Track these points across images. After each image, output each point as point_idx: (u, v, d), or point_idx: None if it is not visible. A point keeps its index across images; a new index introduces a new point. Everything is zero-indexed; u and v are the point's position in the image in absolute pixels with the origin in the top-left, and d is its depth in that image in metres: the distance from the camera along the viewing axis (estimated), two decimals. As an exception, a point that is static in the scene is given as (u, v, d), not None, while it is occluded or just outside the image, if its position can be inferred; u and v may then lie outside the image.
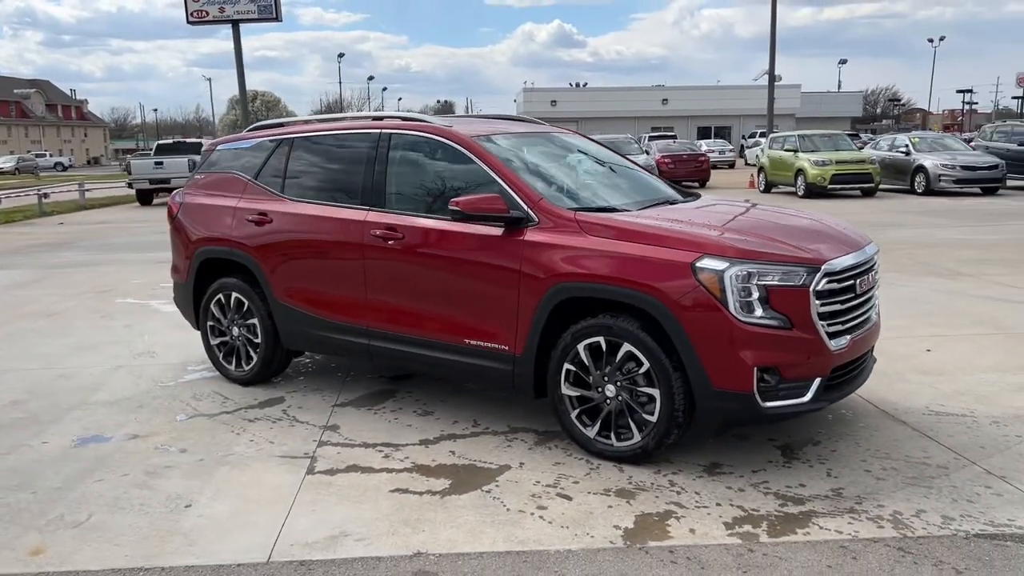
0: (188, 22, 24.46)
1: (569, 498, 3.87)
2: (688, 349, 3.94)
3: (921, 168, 20.48)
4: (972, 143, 23.55)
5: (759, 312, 3.90)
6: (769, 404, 3.95)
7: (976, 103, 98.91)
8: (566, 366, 4.34)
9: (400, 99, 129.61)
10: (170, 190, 25.02)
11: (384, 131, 5.14)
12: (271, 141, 5.71)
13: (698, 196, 5.36)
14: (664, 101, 58.90)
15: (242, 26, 27.09)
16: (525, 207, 4.46)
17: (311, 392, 5.61)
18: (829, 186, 20.01)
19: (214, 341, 5.91)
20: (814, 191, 20.20)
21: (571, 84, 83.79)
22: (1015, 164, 20.66)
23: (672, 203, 5.01)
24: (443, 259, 4.72)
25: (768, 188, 22.66)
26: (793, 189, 21.22)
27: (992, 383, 5.42)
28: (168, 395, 5.63)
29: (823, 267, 4.02)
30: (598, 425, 4.30)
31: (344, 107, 79.02)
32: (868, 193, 20.51)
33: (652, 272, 4.03)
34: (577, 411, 4.36)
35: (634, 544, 3.41)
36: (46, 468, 4.41)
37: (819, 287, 3.98)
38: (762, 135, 46.74)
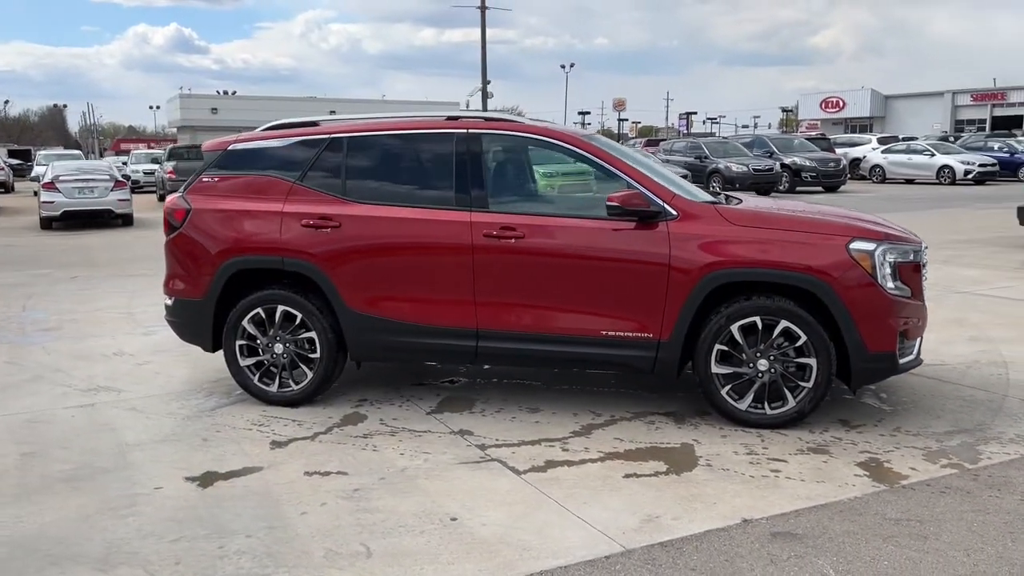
0: None
1: (783, 460, 4.30)
2: (848, 320, 4.57)
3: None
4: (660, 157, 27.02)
5: (891, 284, 4.66)
6: (901, 361, 4.73)
7: (590, 123, 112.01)
8: (717, 347, 4.73)
9: (7, 102, 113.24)
10: None
11: (472, 131, 5.10)
12: (313, 140, 5.32)
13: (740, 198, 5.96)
14: (332, 112, 58.80)
15: None
16: (660, 201, 4.79)
17: (383, 404, 5.32)
18: (556, 194, 21.79)
19: (246, 362, 5.32)
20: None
21: (218, 92, 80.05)
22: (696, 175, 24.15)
23: (740, 200, 5.60)
24: (575, 255, 4.85)
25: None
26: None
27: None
28: (219, 426, 4.99)
29: (921, 246, 4.90)
30: (750, 397, 4.75)
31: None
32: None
33: (812, 255, 4.61)
34: (728, 387, 4.78)
35: (895, 485, 3.97)
36: (211, 511, 3.82)
37: (922, 262, 4.85)
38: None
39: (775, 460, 4.30)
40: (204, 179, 5.45)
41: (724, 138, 33.80)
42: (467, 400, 5.38)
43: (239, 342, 5.30)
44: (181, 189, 5.57)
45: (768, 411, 4.74)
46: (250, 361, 5.32)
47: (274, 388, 5.30)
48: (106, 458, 4.50)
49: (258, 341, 5.29)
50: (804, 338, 4.63)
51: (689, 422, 4.90)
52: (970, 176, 28.02)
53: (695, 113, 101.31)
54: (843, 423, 4.85)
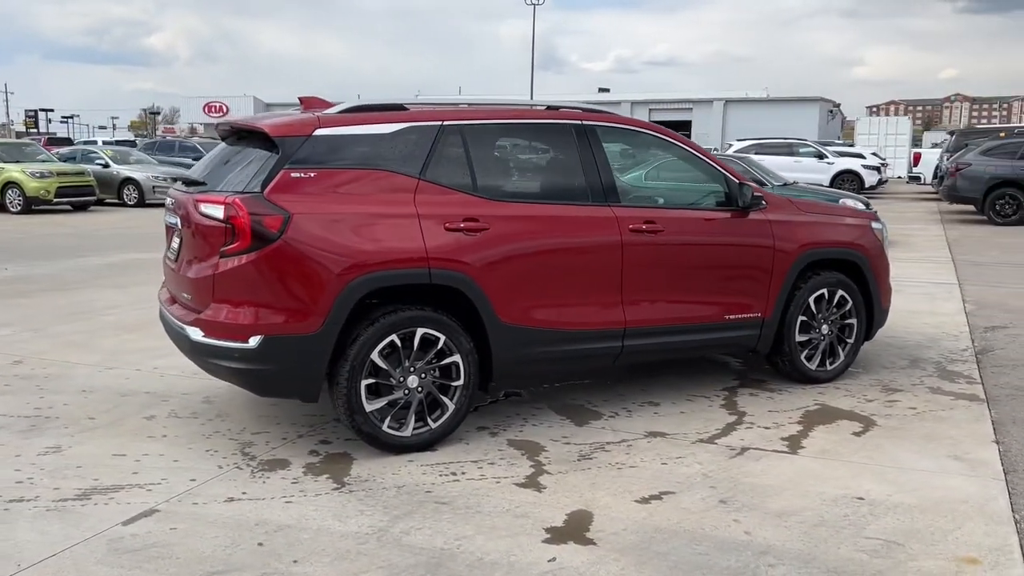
0: None
1: (899, 402, 5.25)
2: (875, 284, 5.74)
3: (130, 180, 20.72)
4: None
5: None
6: (887, 313, 6.10)
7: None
8: (800, 318, 5.48)
9: None
10: None
11: (586, 123, 4.90)
12: (424, 128, 4.44)
13: None
14: None
15: None
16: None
17: (513, 428, 4.75)
18: (55, 199, 18.52)
19: (373, 406, 4.24)
20: (36, 205, 18.39)
21: None
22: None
23: None
24: (706, 245, 5.11)
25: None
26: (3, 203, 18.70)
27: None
28: (423, 487, 3.93)
29: (871, 222, 6.31)
30: (818, 358, 5.60)
31: None
32: (83, 207, 19.71)
33: (857, 234, 5.67)
34: (805, 352, 5.55)
35: (989, 399, 5.26)
36: (667, 559, 3.31)
37: (874, 237, 6.26)
38: None
39: (894, 403, 5.22)
40: (293, 174, 4.09)
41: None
42: (580, 408, 5.10)
43: (366, 381, 4.18)
44: (247, 188, 4.06)
45: (828, 367, 5.64)
46: (377, 405, 4.24)
47: (408, 432, 4.32)
48: (400, 555, 3.31)
49: (391, 377, 4.24)
50: (851, 302, 5.63)
51: (770, 389, 5.50)
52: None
53: (51, 111, 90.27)
54: (856, 372, 5.94)
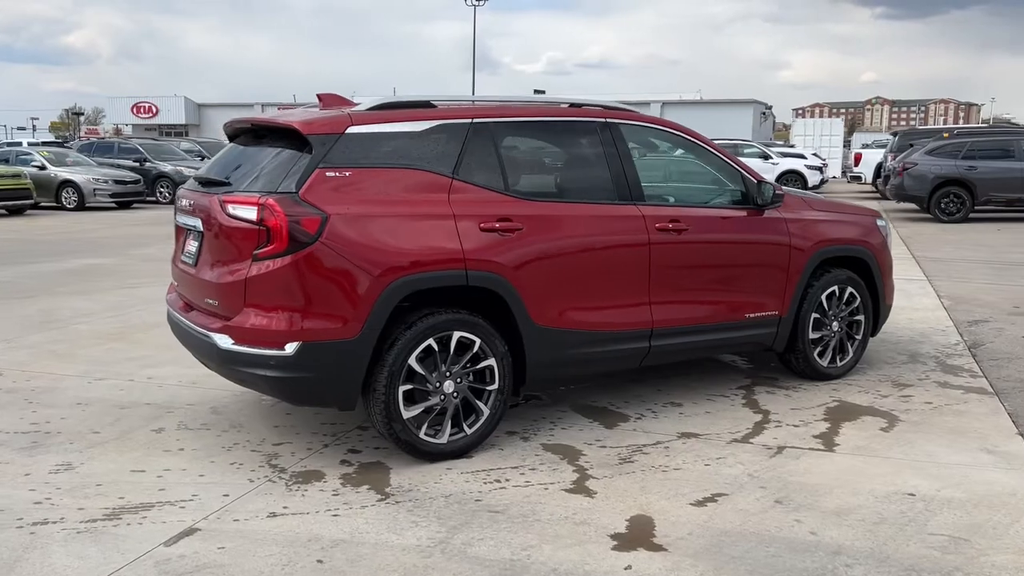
0: None
1: (912, 396, 5.32)
2: (880, 280, 5.81)
3: (69, 183, 19.95)
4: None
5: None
6: (888, 309, 6.17)
7: None
8: (813, 315, 5.51)
9: None
10: None
11: (610, 120, 4.84)
12: (455, 126, 4.32)
13: None
14: None
15: None
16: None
17: (543, 432, 4.66)
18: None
19: (410, 413, 4.10)
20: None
21: None
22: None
23: None
24: (728, 244, 5.10)
25: None
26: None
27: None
28: (470, 494, 3.84)
29: (868, 222, 6.37)
30: (829, 355, 5.64)
31: None
32: (20, 211, 18.90)
33: (865, 232, 5.72)
34: (817, 349, 5.58)
35: (997, 392, 5.36)
36: (748, 557, 3.26)
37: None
38: None
39: (909, 398, 5.28)
40: (327, 173, 3.93)
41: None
42: (604, 410, 5.03)
43: (403, 387, 4.04)
44: (281, 188, 3.88)
45: (838, 364, 5.68)
46: (416, 411, 4.10)
47: (444, 439, 4.19)
48: (470, 567, 3.19)
49: (428, 383, 4.11)
50: (859, 299, 5.69)
51: (785, 387, 5.51)
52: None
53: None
54: (862, 368, 6.01)
